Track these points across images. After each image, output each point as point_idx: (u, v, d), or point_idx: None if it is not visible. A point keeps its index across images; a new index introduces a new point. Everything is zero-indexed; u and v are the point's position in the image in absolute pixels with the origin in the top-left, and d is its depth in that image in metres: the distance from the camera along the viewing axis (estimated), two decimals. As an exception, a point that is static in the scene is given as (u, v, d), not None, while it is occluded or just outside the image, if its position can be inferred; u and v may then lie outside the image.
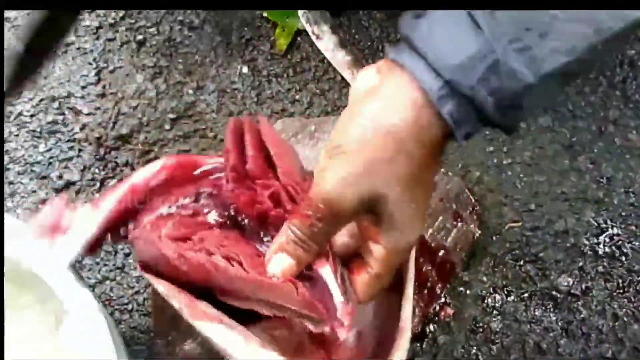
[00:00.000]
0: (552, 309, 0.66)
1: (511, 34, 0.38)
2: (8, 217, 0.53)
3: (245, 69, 0.76)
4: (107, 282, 0.67)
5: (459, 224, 0.66)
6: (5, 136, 0.72)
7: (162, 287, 0.46)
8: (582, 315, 0.66)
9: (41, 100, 0.73)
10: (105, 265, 0.67)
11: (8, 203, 0.69)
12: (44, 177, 0.70)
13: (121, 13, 0.78)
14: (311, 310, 0.43)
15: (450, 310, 0.65)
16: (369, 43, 0.78)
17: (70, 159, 0.71)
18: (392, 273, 0.45)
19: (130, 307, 0.66)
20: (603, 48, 0.38)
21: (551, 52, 0.37)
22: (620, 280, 0.67)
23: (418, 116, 0.40)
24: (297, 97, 0.75)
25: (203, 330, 0.45)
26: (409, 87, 0.40)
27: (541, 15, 0.38)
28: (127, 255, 0.68)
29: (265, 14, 0.78)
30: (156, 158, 0.71)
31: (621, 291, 0.67)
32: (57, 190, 0.70)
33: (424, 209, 0.44)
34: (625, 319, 0.65)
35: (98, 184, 0.70)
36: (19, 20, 0.77)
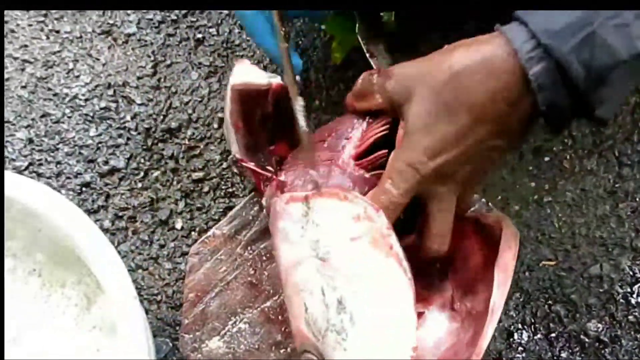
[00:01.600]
0: (578, 353, 0.65)
1: (611, 10, 0.40)
2: (56, 195, 0.54)
3: (297, 77, 0.77)
4: (140, 271, 0.68)
5: (495, 255, 0.65)
6: (58, 117, 0.73)
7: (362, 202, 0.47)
8: (608, 363, 0.65)
9: (97, 85, 0.75)
10: (140, 254, 0.68)
11: (53, 182, 0.71)
12: (90, 161, 0.72)
13: (184, 10, 0.79)
14: None
15: (475, 341, 0.65)
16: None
17: (118, 146, 0.72)
18: (394, 198, 0.47)
19: (159, 298, 0.67)
20: None
21: None
22: (650, 333, 0.66)
23: (495, 59, 0.43)
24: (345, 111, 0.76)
25: (370, 261, 0.46)
26: (502, 44, 0.43)
27: None
28: (161, 246, 0.69)
29: (323, 27, 0.79)
30: (201, 155, 0.72)
31: (650, 344, 0.66)
32: (102, 175, 0.71)
33: (451, 141, 0.45)
34: (652, 373, 0.65)
35: (142, 174, 0.71)
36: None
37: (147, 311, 0.66)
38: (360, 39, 0.77)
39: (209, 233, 0.60)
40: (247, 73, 0.57)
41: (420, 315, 0.52)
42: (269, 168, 0.59)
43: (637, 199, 0.72)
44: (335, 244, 0.47)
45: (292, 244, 0.50)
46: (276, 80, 0.57)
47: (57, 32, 0.77)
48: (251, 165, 0.58)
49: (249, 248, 0.60)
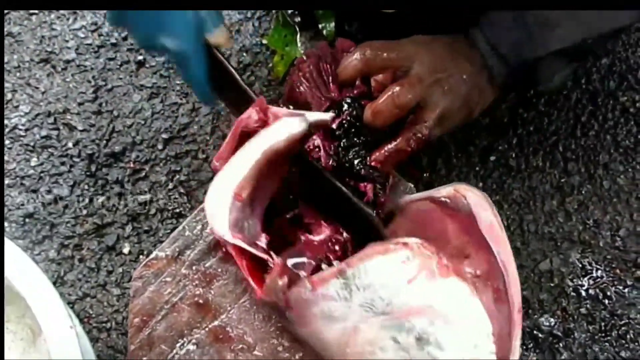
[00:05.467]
0: (533, 349, 0.65)
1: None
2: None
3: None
4: (88, 299, 0.67)
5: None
6: (-2, 148, 0.72)
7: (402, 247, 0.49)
8: (562, 357, 0.65)
9: (37, 114, 0.74)
10: (87, 282, 0.67)
11: (-4, 215, 0.70)
12: (33, 191, 0.71)
13: (124, 33, 0.79)
14: None
15: (430, 345, 0.65)
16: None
17: (60, 174, 0.72)
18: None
19: (108, 325, 0.66)
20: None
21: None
22: (602, 324, 0.67)
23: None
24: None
25: (435, 289, 0.48)
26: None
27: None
28: (109, 272, 0.68)
29: (265, 41, 0.79)
30: (147, 177, 0.72)
31: (603, 334, 0.66)
32: (45, 205, 0.70)
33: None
34: (606, 364, 0.65)
35: (87, 200, 0.70)
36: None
37: (97, 339, 0.65)
38: (302, 51, 0.77)
39: (152, 255, 0.59)
40: (286, 127, 0.52)
41: None
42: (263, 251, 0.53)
43: (583, 192, 0.73)
44: (393, 293, 0.48)
45: (340, 319, 0.50)
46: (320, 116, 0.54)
47: (-6, 63, 0.76)
48: (247, 247, 0.52)
49: (193, 268, 0.59)
